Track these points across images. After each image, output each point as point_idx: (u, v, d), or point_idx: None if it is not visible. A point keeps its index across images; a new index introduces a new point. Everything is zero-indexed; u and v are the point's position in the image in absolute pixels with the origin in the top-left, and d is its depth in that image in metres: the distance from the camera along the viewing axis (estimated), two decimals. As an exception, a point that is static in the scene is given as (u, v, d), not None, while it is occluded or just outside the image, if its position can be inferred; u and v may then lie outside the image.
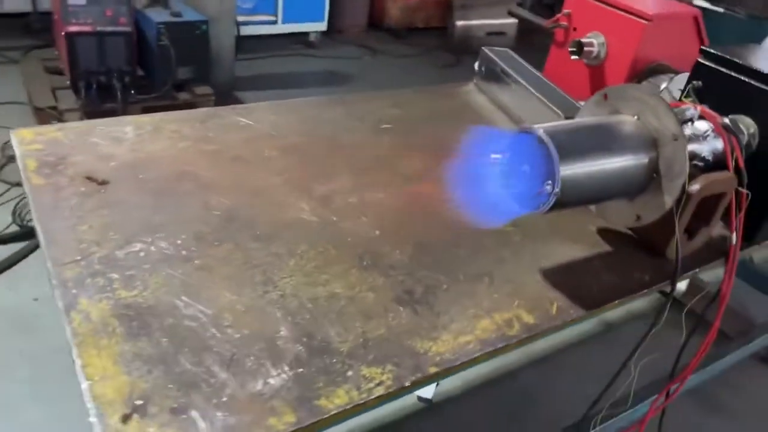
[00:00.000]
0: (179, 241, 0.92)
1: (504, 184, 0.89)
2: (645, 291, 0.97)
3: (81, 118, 2.52)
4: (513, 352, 0.87)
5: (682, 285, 1.03)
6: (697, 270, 1.05)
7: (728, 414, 1.87)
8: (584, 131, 0.91)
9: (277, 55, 3.93)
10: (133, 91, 2.74)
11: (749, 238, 1.09)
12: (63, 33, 2.57)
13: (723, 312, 1.06)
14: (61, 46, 2.74)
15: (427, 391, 1.76)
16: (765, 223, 1.10)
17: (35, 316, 1.79)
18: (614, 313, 2.17)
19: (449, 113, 1.50)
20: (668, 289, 0.99)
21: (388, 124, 1.38)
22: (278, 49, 4.01)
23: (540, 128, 0.84)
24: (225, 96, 3.18)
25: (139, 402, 0.67)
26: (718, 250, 1.07)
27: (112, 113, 2.60)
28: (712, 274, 1.98)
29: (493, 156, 0.89)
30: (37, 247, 1.98)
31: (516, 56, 1.62)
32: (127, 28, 2.65)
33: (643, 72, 1.43)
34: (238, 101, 3.23)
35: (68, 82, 2.67)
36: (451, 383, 1.82)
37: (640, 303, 2.21)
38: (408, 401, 1.75)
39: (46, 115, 2.56)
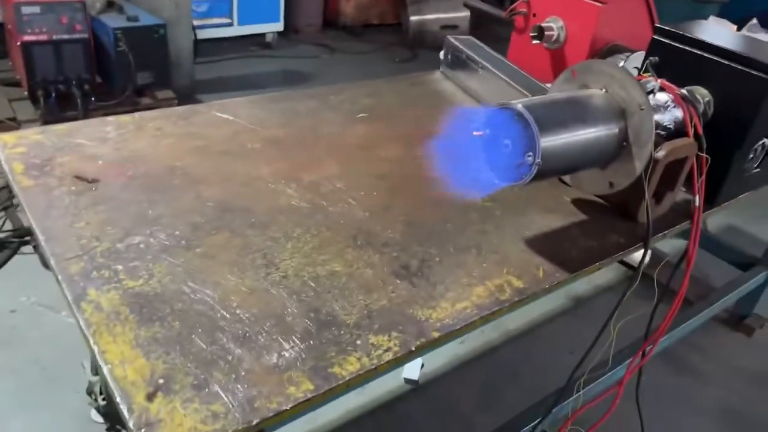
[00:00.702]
0: (177, 232, 0.94)
1: (485, 158, 0.94)
2: (622, 252, 1.04)
3: (41, 128, 2.46)
4: (492, 329, 0.92)
5: (643, 257, 1.11)
6: (666, 232, 1.12)
7: (697, 374, 1.98)
8: (559, 105, 0.97)
9: (235, 58, 3.92)
10: (93, 99, 2.70)
11: (710, 201, 1.17)
12: (18, 43, 2.51)
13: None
14: (16, 57, 2.68)
15: (413, 373, 1.81)
16: (724, 186, 1.18)
17: (13, 328, 1.76)
18: (580, 285, 2.27)
19: (422, 100, 1.55)
20: (640, 252, 1.06)
21: (364, 113, 1.42)
22: (236, 51, 4.00)
23: (518, 103, 0.90)
24: (186, 100, 3.15)
25: (161, 381, 0.70)
26: (683, 214, 1.14)
27: (72, 122, 2.55)
28: (670, 245, 2.10)
29: (475, 133, 0.94)
30: (9, 258, 1.94)
31: (480, 43, 1.68)
32: (84, 35, 2.61)
33: (602, 52, 1.51)
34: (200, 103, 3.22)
35: (25, 93, 2.62)
36: (436, 363, 1.87)
37: (603, 275, 2.32)
38: (395, 384, 1.79)
39: (5, 127, 2.50)
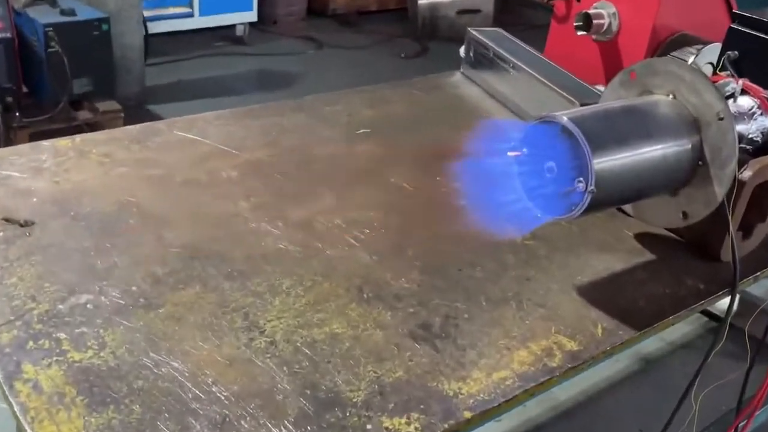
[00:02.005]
0: (134, 288, 0.96)
1: (523, 186, 0.96)
2: (703, 302, 1.05)
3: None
4: (536, 403, 0.93)
5: (730, 305, 1.12)
6: (757, 274, 1.13)
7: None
8: (615, 116, 1.00)
9: (198, 56, 4.00)
10: (17, 114, 2.75)
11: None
12: None
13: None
14: None
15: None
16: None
17: None
18: (649, 343, 2.27)
19: (438, 110, 1.59)
20: (726, 300, 1.07)
21: (365, 129, 1.45)
22: (198, 48, 4.09)
23: (564, 115, 0.92)
24: (136, 112, 3.22)
25: (119, 483, 0.71)
26: (778, 249, 1.16)
27: (-7, 145, 2.61)
28: (763, 288, 2.11)
29: (509, 154, 0.97)
30: None
31: (510, 36, 1.72)
32: (6, 34, 2.67)
33: (665, 45, 1.54)
34: (153, 117, 3.27)
35: (-69, 108, 2.67)
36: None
37: (679, 329, 2.33)
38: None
39: None
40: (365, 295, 1.00)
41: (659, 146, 0.99)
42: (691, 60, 1.46)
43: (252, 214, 1.14)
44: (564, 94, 1.43)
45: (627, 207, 1.17)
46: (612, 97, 1.11)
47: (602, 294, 1.05)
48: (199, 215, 1.12)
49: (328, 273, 1.03)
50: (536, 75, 1.52)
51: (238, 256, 1.04)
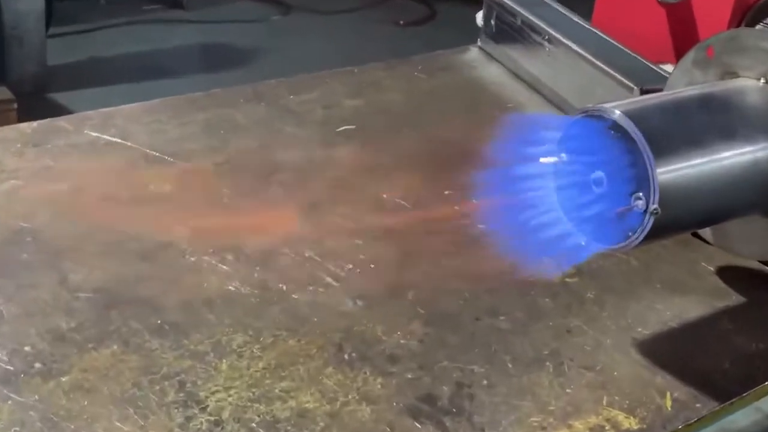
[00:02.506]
0: (27, 348, 0.96)
1: (562, 204, 0.97)
2: (811, 362, 1.06)
3: None
4: None
5: None
6: None
7: None
8: (686, 108, 1.01)
9: (119, 24, 4.02)
10: None
11: None
12: None
13: None
14: None
15: None
16: None
17: None
18: (741, 416, 2.26)
19: (448, 99, 1.60)
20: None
21: (347, 125, 1.46)
22: (120, 13, 4.10)
23: (616, 108, 0.93)
24: (33, 102, 3.22)
25: None
26: None
27: None
28: None
29: (542, 160, 0.98)
30: None
31: (547, -1, 1.74)
32: None
33: (757, 9, 1.56)
34: (58, 109, 3.28)
35: None
36: None
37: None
38: None
39: None
40: (347, 356, 0.99)
41: (748, 149, 0.99)
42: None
43: (191, 245, 1.14)
44: (618, 76, 1.44)
45: (705, 232, 1.17)
46: (682, 82, 1.12)
47: (672, 352, 1.05)
48: (117, 246, 1.12)
49: (295, 325, 1.03)
50: (580, 51, 1.53)
51: (171, 302, 1.04)
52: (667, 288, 1.16)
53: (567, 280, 1.15)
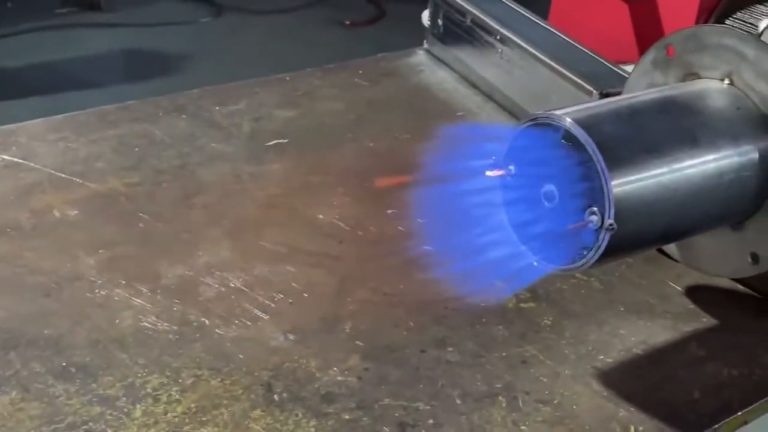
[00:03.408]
0: None
1: (511, 222, 0.98)
2: (789, 388, 1.07)
3: None
4: None
5: None
6: None
7: None
8: (644, 114, 1.01)
9: (28, 31, 3.99)
10: None
11: None
12: None
13: None
14: None
15: None
16: None
17: None
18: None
19: (391, 108, 1.60)
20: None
21: (279, 139, 1.47)
22: (30, 18, 4.07)
23: (566, 115, 0.94)
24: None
25: None
26: None
27: None
28: None
29: (489, 173, 0.99)
30: None
31: (498, -6, 1.76)
32: None
33: (726, 4, 1.58)
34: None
35: None
36: None
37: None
38: None
39: None
40: (276, 396, 0.99)
41: (711, 156, 1.00)
42: (763, 26, 1.50)
43: (101, 276, 1.14)
44: (576, 79, 1.45)
45: (672, 249, 1.19)
46: (641, 84, 1.13)
47: (637, 382, 1.05)
48: (18, 281, 1.12)
49: (219, 363, 1.03)
50: (535, 52, 1.54)
51: (78, 342, 1.03)
52: (631, 311, 1.16)
53: (521, 305, 1.15)
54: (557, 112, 0.95)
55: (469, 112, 1.60)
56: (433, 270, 1.05)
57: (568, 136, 0.93)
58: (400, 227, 1.23)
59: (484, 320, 1.13)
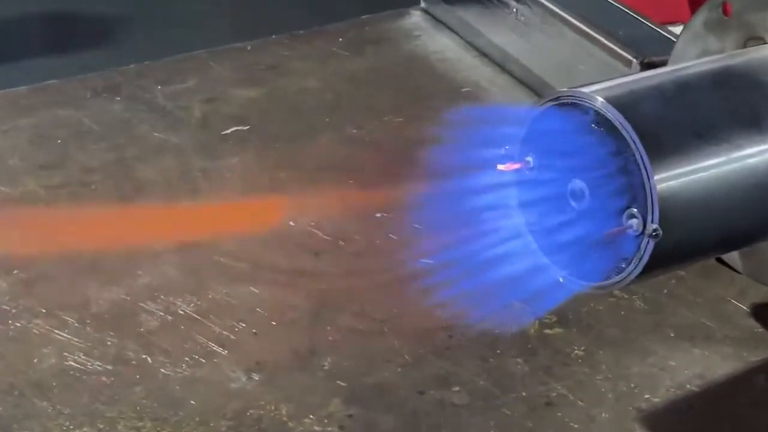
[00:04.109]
0: None
1: (530, 228, 0.97)
2: None
3: None
4: None
5: None
6: None
7: None
8: (695, 90, 1.01)
9: None
10: None
11: None
12: None
13: None
14: None
15: None
16: None
17: None
18: None
19: (377, 84, 1.61)
20: None
21: (237, 126, 1.46)
22: None
23: (598, 92, 0.94)
24: None
25: None
26: None
27: None
28: None
29: (500, 168, 0.98)
30: None
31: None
32: None
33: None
34: None
35: None
36: None
37: None
38: None
39: None
40: (237, 455, 1.00)
41: (780, 143, 1.01)
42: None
43: (16, 303, 1.13)
44: (612, 46, 1.45)
45: (733, 258, 1.19)
46: (692, 51, 1.13)
47: (691, 426, 1.06)
48: None
49: (165, 411, 1.02)
50: (562, 12, 1.54)
51: (-11, 384, 1.03)
52: (683, 337, 1.16)
53: (546, 332, 1.15)
54: (586, 89, 0.94)
55: (477, 88, 1.59)
56: (434, 289, 1.04)
57: (600, 119, 0.92)
58: (391, 235, 1.23)
59: (498, 351, 1.12)
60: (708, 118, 0.98)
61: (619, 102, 0.92)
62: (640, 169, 0.90)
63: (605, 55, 1.45)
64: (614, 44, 1.45)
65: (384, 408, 1.05)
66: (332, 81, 1.61)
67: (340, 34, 1.73)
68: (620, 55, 1.43)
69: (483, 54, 1.67)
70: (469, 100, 1.56)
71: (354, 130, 1.48)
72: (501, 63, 1.64)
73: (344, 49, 1.68)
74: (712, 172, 0.95)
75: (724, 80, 1.04)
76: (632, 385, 1.10)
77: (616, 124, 0.91)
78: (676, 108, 0.98)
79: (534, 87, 1.57)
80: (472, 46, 1.69)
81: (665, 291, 1.20)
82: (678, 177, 0.92)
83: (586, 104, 0.92)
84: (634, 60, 1.40)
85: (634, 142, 0.90)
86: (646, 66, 1.36)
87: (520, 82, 1.60)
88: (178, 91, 1.52)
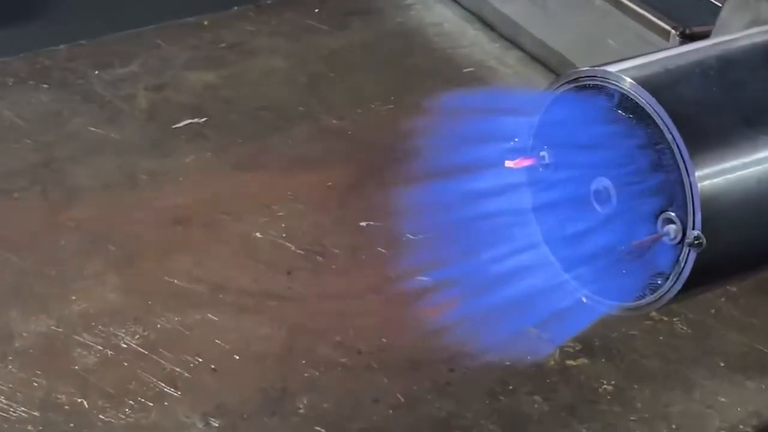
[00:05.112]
0: None
1: (545, 235, 0.97)
2: None
3: None
4: None
5: None
6: None
7: None
8: (742, 67, 1.01)
9: None
10: None
11: None
12: None
13: None
14: None
15: None
16: None
17: None
18: None
19: (361, 64, 1.61)
20: None
21: (192, 119, 1.46)
22: None
23: (626, 71, 0.94)
24: None
25: None
26: None
27: None
28: None
29: (508, 164, 0.98)
30: None
31: None
32: None
33: None
34: None
35: None
36: None
37: None
38: None
39: None
40: None
41: None
42: None
43: None
44: (645, 14, 1.46)
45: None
46: (739, 21, 1.13)
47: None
48: None
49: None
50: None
51: None
52: (735, 368, 1.16)
53: (568, 363, 1.15)
54: (611, 68, 0.94)
55: (482, 68, 1.60)
56: (432, 313, 1.04)
57: (629, 104, 0.92)
58: (379, 248, 1.23)
59: (510, 388, 1.13)
60: (760, 101, 0.98)
61: (651, 83, 0.92)
62: (677, 164, 0.90)
63: (637, 26, 1.45)
64: (649, 12, 1.45)
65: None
66: (307, 61, 1.61)
67: (317, 3, 1.73)
68: (656, 25, 1.44)
69: (489, 26, 1.67)
70: (472, 82, 1.55)
71: (334, 121, 1.48)
72: (511, 37, 1.64)
73: (322, 22, 1.68)
74: (765, 167, 0.95)
75: (770, 58, 1.04)
76: (674, 426, 1.10)
77: (648, 109, 0.91)
78: (721, 89, 0.98)
79: (551, 66, 1.57)
80: (476, 16, 1.69)
81: (712, 311, 1.21)
82: (724, 173, 0.92)
83: (612, 86, 0.92)
84: (673, 31, 1.41)
85: (670, 132, 0.90)
86: (687, 38, 1.36)
87: (535, 59, 1.60)
88: (119, 76, 1.52)
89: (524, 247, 0.99)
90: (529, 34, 1.62)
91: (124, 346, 1.14)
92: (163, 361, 1.13)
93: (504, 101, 1.05)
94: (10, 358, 1.12)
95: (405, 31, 1.69)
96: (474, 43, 1.65)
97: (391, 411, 1.10)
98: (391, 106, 1.47)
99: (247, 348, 1.16)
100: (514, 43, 1.63)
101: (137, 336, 1.15)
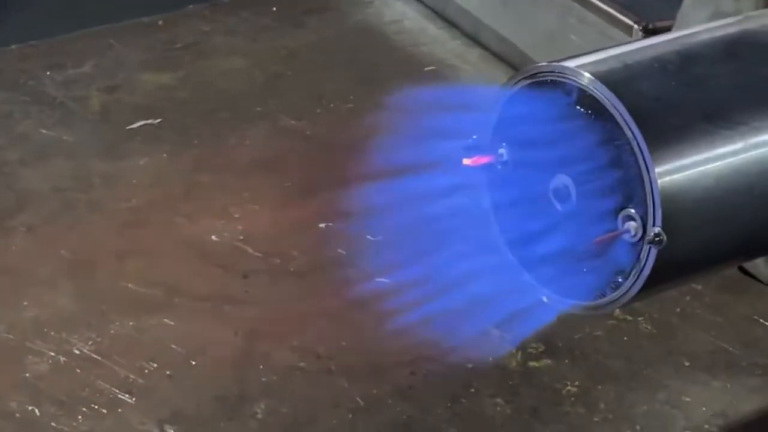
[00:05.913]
0: None
1: (504, 234, 0.97)
2: None
3: None
4: None
5: None
6: None
7: None
8: (704, 61, 1.02)
9: None
10: None
11: None
12: None
13: None
14: None
15: None
16: None
17: None
18: None
19: (320, 64, 1.61)
20: None
21: (146, 120, 1.46)
22: None
23: (584, 66, 0.94)
24: None
25: None
26: None
27: None
28: None
29: (466, 162, 0.98)
30: None
31: None
32: None
33: None
34: None
35: None
36: None
37: None
38: None
39: None
40: None
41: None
42: None
43: None
44: (606, 8, 1.46)
45: (758, 266, 1.19)
46: (701, 14, 1.14)
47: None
48: None
49: None
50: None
51: None
52: (700, 367, 1.17)
53: (531, 364, 1.16)
54: (569, 63, 0.94)
55: (443, 66, 1.60)
56: (392, 316, 1.04)
57: (588, 100, 0.92)
58: (339, 250, 1.23)
59: (472, 390, 1.13)
60: (720, 96, 0.98)
61: (610, 78, 0.92)
62: (637, 161, 0.90)
63: (599, 21, 1.46)
64: (611, 7, 1.46)
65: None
66: (264, 61, 1.61)
67: (274, 1, 1.73)
68: (619, 20, 1.44)
69: (451, 23, 1.67)
70: (433, 81, 1.55)
71: (292, 122, 1.48)
72: (473, 34, 1.64)
73: (279, 21, 1.68)
74: (726, 163, 0.95)
75: (739, 49, 1.04)
76: (638, 427, 1.11)
77: (607, 105, 0.91)
78: (681, 84, 0.98)
79: (513, 63, 1.57)
80: (437, 13, 1.69)
81: (677, 310, 1.21)
82: (684, 169, 0.92)
83: (570, 82, 0.92)
84: (635, 26, 1.41)
85: (629, 128, 0.90)
86: (649, 33, 1.36)
87: (497, 57, 1.60)
88: (71, 77, 1.52)
89: (483, 247, 0.99)
90: (491, 30, 1.62)
91: (77, 352, 1.14)
92: (117, 368, 1.13)
93: (463, 98, 1.05)
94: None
95: (364, 29, 1.69)
96: (435, 40, 1.65)
97: (350, 415, 1.10)
98: (351, 106, 1.48)
99: (203, 353, 1.16)
100: (475, 40, 1.63)
101: (90, 342, 1.15)
